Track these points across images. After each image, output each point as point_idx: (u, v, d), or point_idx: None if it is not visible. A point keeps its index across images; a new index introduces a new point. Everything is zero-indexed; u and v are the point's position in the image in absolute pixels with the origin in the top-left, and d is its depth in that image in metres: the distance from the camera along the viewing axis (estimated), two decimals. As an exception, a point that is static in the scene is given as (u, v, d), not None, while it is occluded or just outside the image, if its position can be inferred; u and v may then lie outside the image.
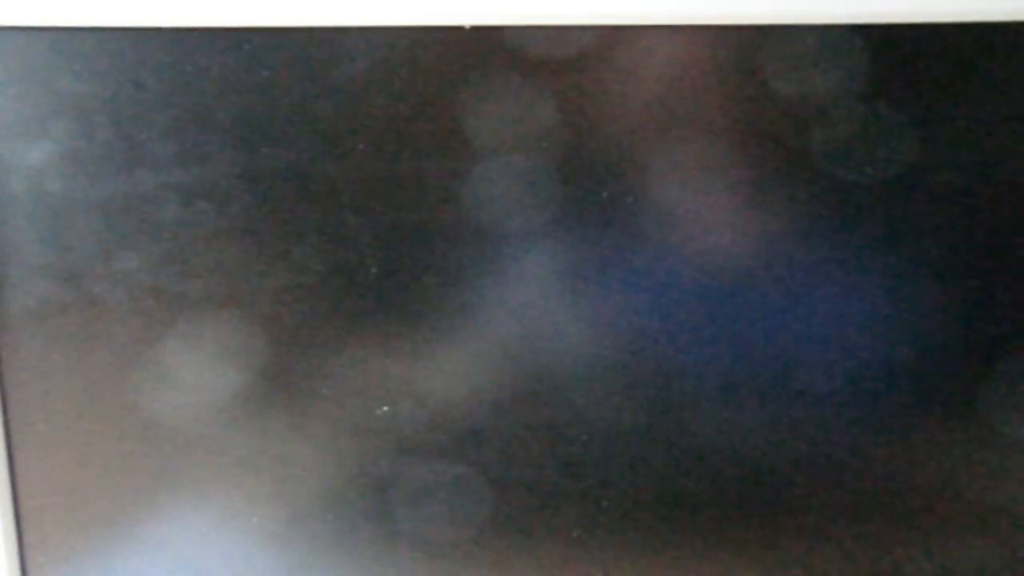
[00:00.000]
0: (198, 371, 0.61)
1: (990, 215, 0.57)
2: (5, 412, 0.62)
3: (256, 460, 0.63)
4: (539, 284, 0.59)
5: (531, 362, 0.60)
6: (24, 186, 0.58)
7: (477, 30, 0.55)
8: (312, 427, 0.62)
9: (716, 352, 0.60)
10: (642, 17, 0.54)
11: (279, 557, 0.64)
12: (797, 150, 0.56)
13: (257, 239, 0.59)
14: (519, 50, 0.55)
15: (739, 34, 0.55)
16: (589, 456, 0.62)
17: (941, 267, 0.58)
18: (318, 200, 0.58)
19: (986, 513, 0.62)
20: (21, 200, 0.59)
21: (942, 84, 0.55)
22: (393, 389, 0.61)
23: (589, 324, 0.60)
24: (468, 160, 0.57)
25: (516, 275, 0.59)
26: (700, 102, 0.56)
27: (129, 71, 0.57)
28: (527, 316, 0.60)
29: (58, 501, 0.64)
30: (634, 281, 0.59)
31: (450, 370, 0.61)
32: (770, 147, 0.56)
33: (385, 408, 0.61)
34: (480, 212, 0.58)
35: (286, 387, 0.61)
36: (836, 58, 0.55)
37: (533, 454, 0.62)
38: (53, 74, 0.57)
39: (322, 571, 0.64)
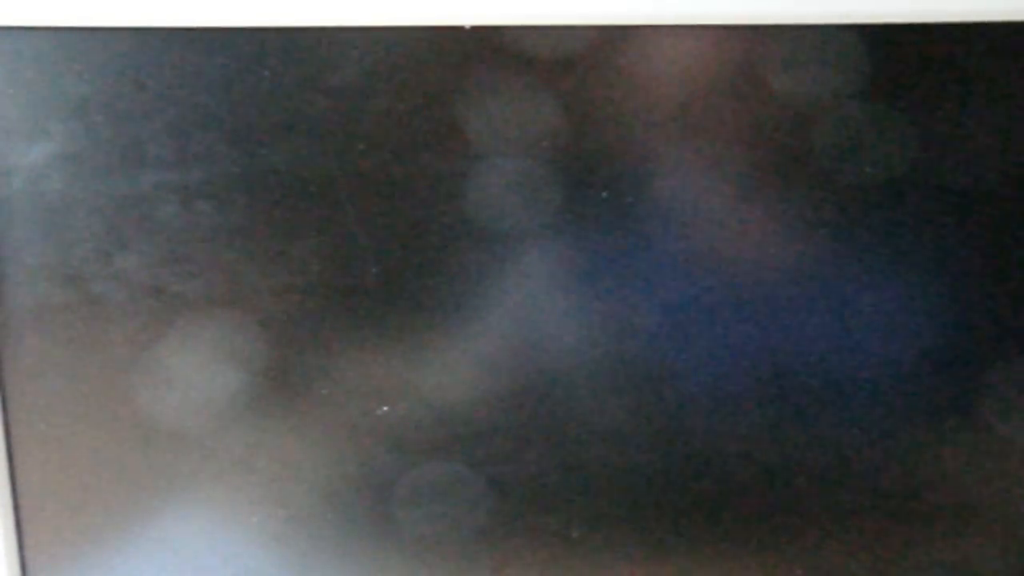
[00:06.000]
0: (198, 371, 0.61)
1: (990, 215, 0.57)
2: (5, 412, 0.62)
3: (256, 460, 0.63)
4: (539, 284, 0.59)
5: (531, 362, 0.60)
6: (24, 186, 0.58)
7: (477, 30, 0.55)
8: (312, 427, 0.62)
9: (716, 352, 0.60)
10: (642, 17, 0.54)
11: (279, 557, 0.64)
12: (797, 150, 0.56)
13: (257, 239, 0.59)
14: (519, 50, 0.55)
15: (739, 34, 0.55)
16: (589, 456, 0.62)
17: (941, 267, 0.58)
18: (318, 200, 0.58)
19: (986, 513, 0.62)
20: (21, 200, 0.59)
21: (942, 84, 0.55)
22: (393, 389, 0.61)
23: (589, 324, 0.60)
24: (468, 160, 0.57)
25: (516, 275, 0.59)
26: (700, 102, 0.56)
27: (129, 71, 0.57)
28: (527, 316, 0.60)
29: (58, 501, 0.64)
30: (634, 281, 0.59)
31: (450, 370, 0.61)
32: (770, 147, 0.56)
33: (385, 408, 0.61)
34: (480, 212, 0.58)
35: (286, 387, 0.61)
36: (836, 58, 0.55)
37: (533, 454, 0.62)
38: (53, 74, 0.57)
39: (322, 571, 0.64)
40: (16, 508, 0.64)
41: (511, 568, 0.64)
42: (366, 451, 0.62)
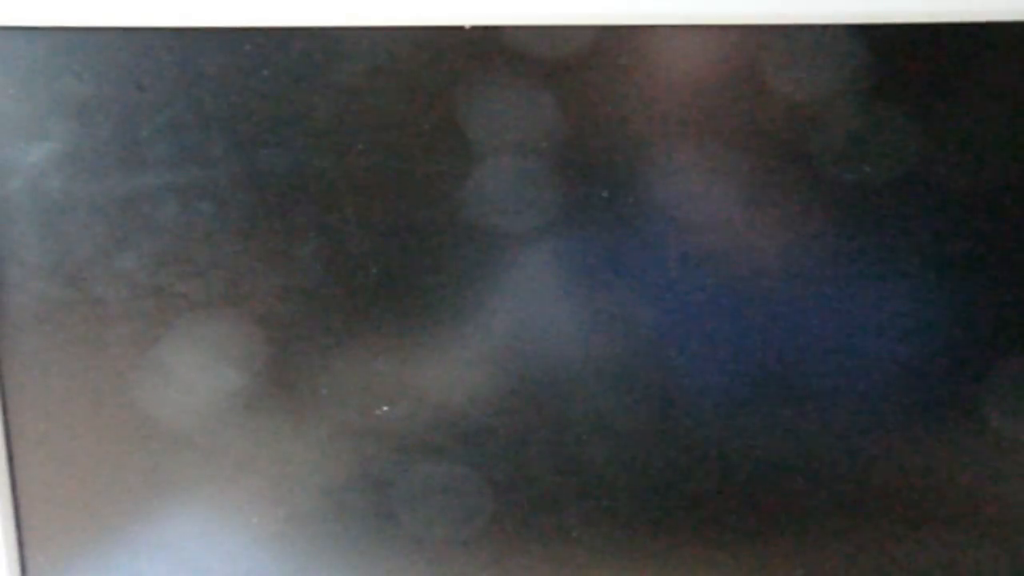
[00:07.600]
0: (198, 371, 0.61)
1: (990, 215, 0.57)
2: (5, 412, 0.62)
3: (256, 460, 0.63)
4: (539, 284, 0.59)
5: (531, 362, 0.60)
6: (24, 186, 0.58)
7: (477, 30, 0.55)
8: (312, 427, 0.62)
9: (716, 352, 0.60)
10: (642, 17, 0.55)
11: (279, 557, 0.64)
12: (797, 150, 0.56)
13: (257, 239, 0.59)
14: (519, 50, 0.55)
15: (739, 34, 0.55)
16: (589, 456, 0.62)
17: (941, 267, 0.58)
18: (318, 200, 0.58)
19: (987, 513, 0.62)
20: (21, 200, 0.59)
21: (942, 84, 0.55)
22: (393, 389, 0.61)
23: (589, 324, 0.60)
24: (468, 160, 0.57)
25: (516, 275, 0.59)
26: (700, 102, 0.56)
27: (129, 71, 0.57)
28: (527, 316, 0.60)
29: (58, 501, 0.64)
30: (634, 281, 0.59)
31: (450, 370, 0.61)
32: (770, 147, 0.56)
33: (385, 408, 0.62)
34: (480, 212, 0.58)
35: (286, 387, 0.61)
36: (836, 58, 0.55)
37: (533, 454, 0.62)
38: (53, 74, 0.57)
39: (322, 571, 0.64)
40: (16, 508, 0.64)
41: (511, 568, 0.64)
42: (366, 451, 0.62)
